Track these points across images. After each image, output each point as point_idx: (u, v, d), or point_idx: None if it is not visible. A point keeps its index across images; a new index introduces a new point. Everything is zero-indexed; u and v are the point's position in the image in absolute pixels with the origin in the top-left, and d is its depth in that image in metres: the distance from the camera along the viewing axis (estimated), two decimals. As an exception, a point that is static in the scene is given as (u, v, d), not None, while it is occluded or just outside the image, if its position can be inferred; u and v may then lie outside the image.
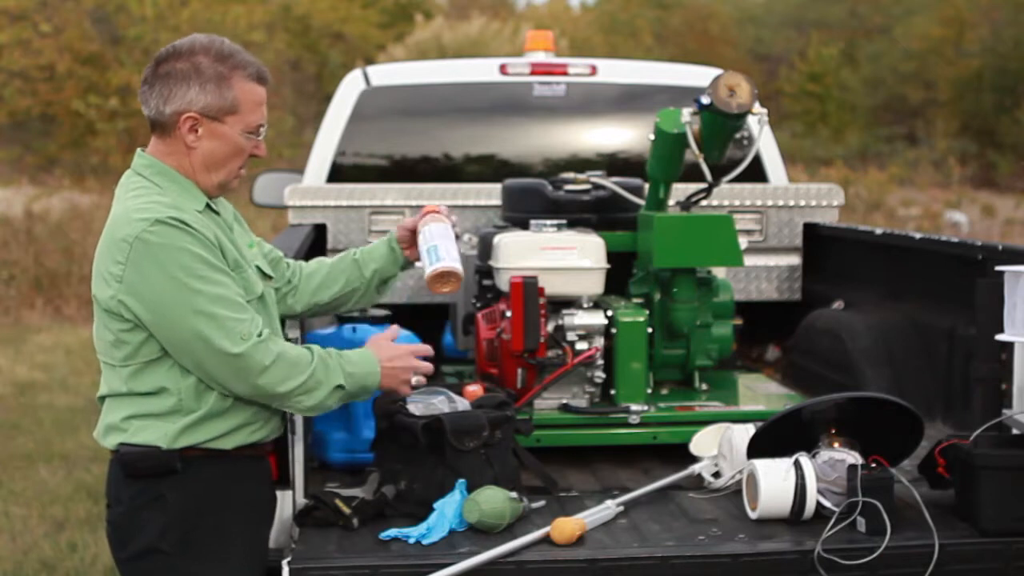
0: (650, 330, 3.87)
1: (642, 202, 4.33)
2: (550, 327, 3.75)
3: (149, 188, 2.62)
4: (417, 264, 3.09)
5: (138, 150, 2.72)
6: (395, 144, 5.40)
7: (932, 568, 2.78)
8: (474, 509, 2.91)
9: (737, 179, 4.14)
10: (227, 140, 2.65)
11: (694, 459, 3.43)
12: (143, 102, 2.66)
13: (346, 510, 2.94)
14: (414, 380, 2.85)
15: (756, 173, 5.11)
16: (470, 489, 2.99)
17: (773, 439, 3.12)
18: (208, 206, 2.68)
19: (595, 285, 3.88)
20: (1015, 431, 3.18)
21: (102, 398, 2.68)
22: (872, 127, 33.48)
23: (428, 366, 2.88)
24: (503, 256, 3.86)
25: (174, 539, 2.59)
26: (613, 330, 3.80)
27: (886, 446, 3.09)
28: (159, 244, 2.50)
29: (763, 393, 4.20)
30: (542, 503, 3.11)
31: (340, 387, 2.69)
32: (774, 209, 5.01)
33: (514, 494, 2.99)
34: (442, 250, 2.97)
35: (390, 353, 2.81)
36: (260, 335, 2.57)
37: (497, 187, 4.82)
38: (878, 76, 34.03)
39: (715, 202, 4.69)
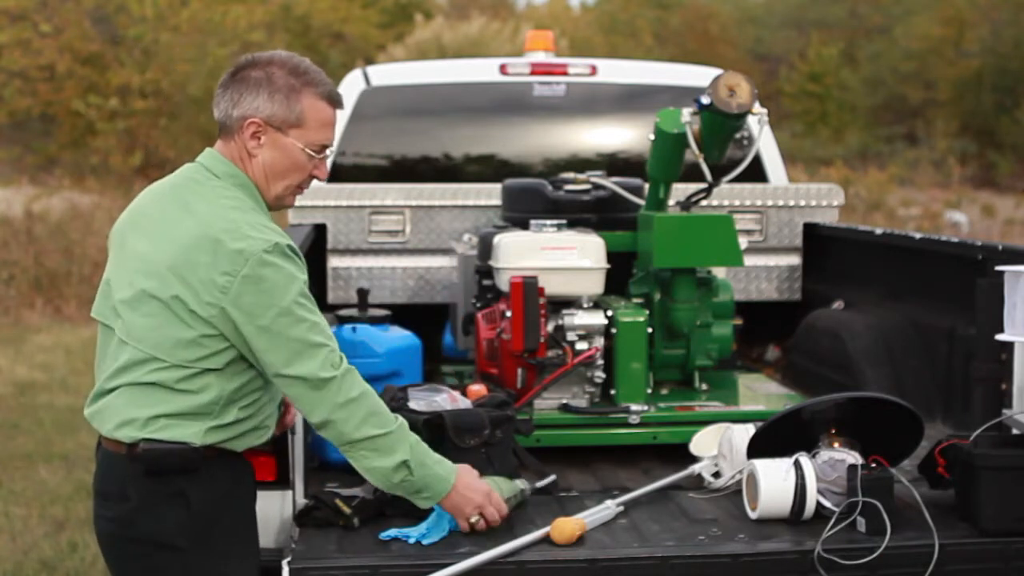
0: (650, 330, 3.87)
1: (642, 202, 4.33)
2: (550, 327, 3.75)
3: (242, 200, 2.63)
4: None
5: (208, 150, 2.71)
6: (395, 144, 5.40)
7: (932, 568, 2.78)
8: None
9: (737, 179, 4.14)
10: (287, 152, 2.66)
11: (694, 459, 3.42)
12: (215, 104, 2.69)
13: (346, 510, 2.94)
14: (473, 519, 2.80)
15: (756, 173, 5.11)
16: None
17: (773, 439, 3.12)
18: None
19: (595, 285, 3.88)
20: (1015, 431, 3.18)
21: (118, 387, 2.59)
22: (872, 127, 33.51)
23: (495, 515, 2.83)
24: (503, 256, 3.86)
25: (191, 535, 2.58)
26: (613, 330, 3.80)
27: (886, 446, 3.09)
28: (276, 269, 2.52)
29: (763, 393, 4.20)
30: (553, 478, 3.22)
31: (407, 465, 2.65)
32: (774, 209, 5.01)
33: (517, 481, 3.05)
34: None
35: (471, 479, 2.81)
36: (346, 365, 2.62)
37: (497, 187, 4.81)
38: (878, 76, 34.06)
39: (715, 202, 4.69)
